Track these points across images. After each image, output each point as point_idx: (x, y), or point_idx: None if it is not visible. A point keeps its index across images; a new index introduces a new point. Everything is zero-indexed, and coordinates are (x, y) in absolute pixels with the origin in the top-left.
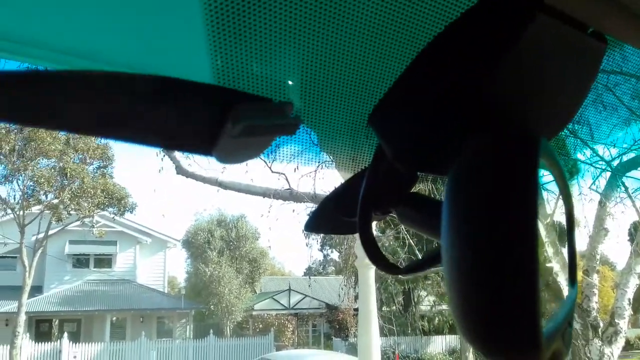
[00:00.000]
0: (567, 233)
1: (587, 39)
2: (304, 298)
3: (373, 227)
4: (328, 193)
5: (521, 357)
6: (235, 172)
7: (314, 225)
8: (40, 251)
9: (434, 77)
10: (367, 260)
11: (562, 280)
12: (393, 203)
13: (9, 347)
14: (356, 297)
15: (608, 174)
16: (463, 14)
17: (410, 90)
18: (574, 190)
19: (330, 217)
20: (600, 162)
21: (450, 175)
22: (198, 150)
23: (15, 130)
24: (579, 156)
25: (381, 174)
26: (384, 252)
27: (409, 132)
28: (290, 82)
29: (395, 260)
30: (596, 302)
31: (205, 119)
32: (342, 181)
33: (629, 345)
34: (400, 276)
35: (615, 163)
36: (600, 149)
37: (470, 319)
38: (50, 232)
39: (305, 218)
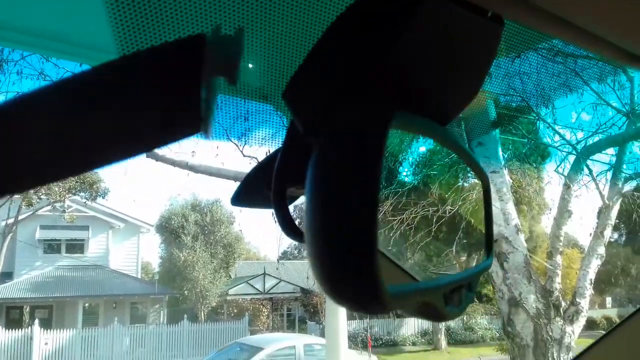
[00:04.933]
0: (484, 208)
1: (482, 21)
2: (278, 282)
3: None
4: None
5: (361, 306)
6: (205, 155)
7: (240, 199)
8: (10, 236)
9: (338, 54)
10: None
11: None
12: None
13: None
14: None
15: (573, 157)
16: None
17: (318, 67)
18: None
19: (256, 190)
20: (566, 146)
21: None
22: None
23: None
24: (546, 139)
25: (295, 148)
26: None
27: (316, 106)
28: (250, 65)
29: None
30: (559, 283)
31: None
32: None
33: (595, 325)
34: None
35: (581, 146)
36: (565, 132)
37: (320, 275)
38: (20, 217)
39: None
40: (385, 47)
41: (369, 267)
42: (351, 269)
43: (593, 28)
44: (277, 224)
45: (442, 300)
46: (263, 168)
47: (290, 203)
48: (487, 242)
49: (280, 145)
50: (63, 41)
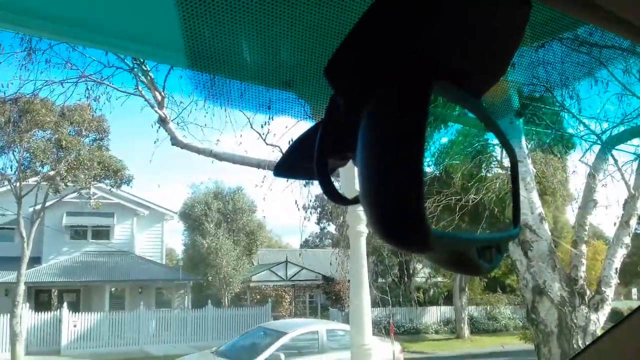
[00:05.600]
0: (511, 181)
1: (511, 1)
2: (301, 270)
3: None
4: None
5: (409, 243)
6: (229, 143)
7: (282, 170)
8: (37, 222)
9: (378, 31)
10: (358, 228)
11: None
12: (348, 148)
13: (9, 316)
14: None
15: (597, 147)
16: None
17: (360, 43)
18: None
19: (297, 162)
20: (591, 136)
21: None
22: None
23: (11, 102)
24: (570, 129)
25: (335, 122)
26: None
27: (357, 82)
28: (277, 55)
29: None
30: (583, 272)
31: None
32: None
33: (620, 316)
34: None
35: (606, 136)
36: (590, 123)
37: (375, 219)
38: (48, 203)
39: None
40: (423, 20)
41: (418, 208)
42: (402, 210)
43: (617, 10)
44: (323, 191)
45: (476, 254)
46: (304, 141)
47: (331, 173)
48: (515, 213)
49: (316, 123)
50: (90, 29)
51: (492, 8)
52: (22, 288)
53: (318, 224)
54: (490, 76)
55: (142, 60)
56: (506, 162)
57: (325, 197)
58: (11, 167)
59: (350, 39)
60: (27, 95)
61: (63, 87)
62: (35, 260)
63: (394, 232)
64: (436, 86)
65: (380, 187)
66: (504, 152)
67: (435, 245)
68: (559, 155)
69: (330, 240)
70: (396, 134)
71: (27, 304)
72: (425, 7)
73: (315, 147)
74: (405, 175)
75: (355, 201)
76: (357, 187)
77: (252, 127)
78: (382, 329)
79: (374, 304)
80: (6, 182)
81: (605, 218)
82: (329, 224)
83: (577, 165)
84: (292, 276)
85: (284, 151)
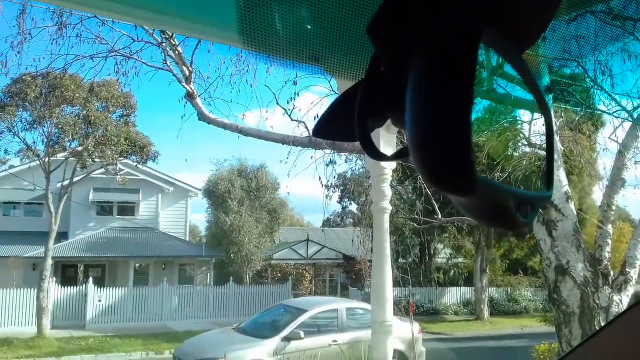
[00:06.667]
0: (546, 143)
1: None
2: (321, 249)
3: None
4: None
5: (456, 187)
6: (254, 119)
7: (321, 130)
8: (65, 198)
9: None
10: (381, 204)
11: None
12: (387, 108)
13: (36, 290)
14: (372, 249)
15: (628, 124)
16: None
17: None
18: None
19: (338, 121)
20: (622, 112)
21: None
22: None
23: (41, 76)
24: (601, 106)
25: (376, 82)
26: (402, 203)
27: (402, 39)
28: (309, 27)
29: (412, 210)
30: (608, 252)
31: None
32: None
33: None
34: (415, 225)
35: (637, 113)
36: (622, 100)
37: (425, 162)
38: (75, 179)
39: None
40: None
41: (468, 151)
42: (454, 153)
43: None
44: (365, 150)
45: (514, 206)
46: (343, 102)
47: (371, 130)
48: (548, 176)
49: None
50: (119, 1)
51: None
52: (49, 262)
53: (340, 202)
54: (534, 30)
55: (170, 34)
56: (534, 139)
57: (370, 163)
58: (42, 142)
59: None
60: (57, 71)
61: (93, 61)
62: (62, 235)
63: (444, 175)
64: (485, 34)
65: (431, 131)
66: (532, 129)
67: (479, 188)
68: (587, 133)
69: (351, 220)
70: (448, 80)
71: (54, 279)
72: None
73: (355, 107)
74: (457, 120)
75: (396, 157)
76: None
77: (277, 103)
78: (401, 308)
79: (395, 283)
80: (35, 158)
81: (632, 200)
82: (350, 203)
83: (606, 142)
84: (313, 255)
85: (311, 124)
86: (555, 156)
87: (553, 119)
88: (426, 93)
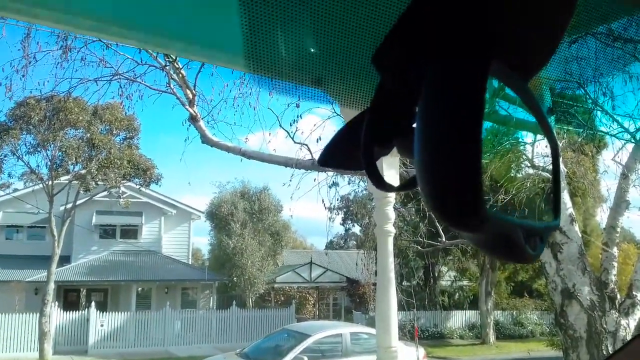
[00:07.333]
0: (552, 171)
1: None
2: (325, 272)
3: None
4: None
5: (464, 222)
6: (257, 141)
7: (326, 160)
8: (68, 221)
9: (433, 16)
10: (385, 227)
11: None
12: (393, 136)
13: (38, 314)
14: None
15: (631, 145)
16: None
17: (411, 28)
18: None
19: (343, 150)
20: (624, 134)
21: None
22: None
23: (45, 100)
24: (603, 128)
25: (382, 110)
26: (405, 226)
27: (409, 66)
28: (312, 50)
29: (416, 233)
30: (614, 275)
31: None
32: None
33: None
34: (419, 248)
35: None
36: (624, 121)
37: (431, 194)
38: (78, 202)
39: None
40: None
41: (477, 185)
42: (463, 187)
43: None
44: (369, 178)
45: (523, 239)
46: (348, 132)
47: (377, 159)
48: (555, 204)
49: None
50: (124, 26)
51: None
52: (51, 287)
53: (343, 224)
54: (538, 61)
55: (174, 57)
56: (537, 161)
57: (373, 186)
58: (46, 165)
59: (402, 22)
60: (62, 94)
61: (97, 84)
62: (64, 259)
63: (453, 212)
64: (491, 65)
65: (440, 166)
66: (535, 151)
67: (488, 222)
68: (590, 155)
69: (354, 242)
70: (457, 111)
71: (56, 303)
72: None
73: (360, 136)
74: (466, 153)
75: (402, 188)
76: (391, 176)
77: (280, 126)
78: (406, 332)
79: (399, 307)
80: (39, 181)
81: (637, 221)
82: (354, 225)
83: (609, 165)
84: (316, 278)
85: (314, 146)
86: (559, 179)
87: (559, 148)
88: (434, 129)
